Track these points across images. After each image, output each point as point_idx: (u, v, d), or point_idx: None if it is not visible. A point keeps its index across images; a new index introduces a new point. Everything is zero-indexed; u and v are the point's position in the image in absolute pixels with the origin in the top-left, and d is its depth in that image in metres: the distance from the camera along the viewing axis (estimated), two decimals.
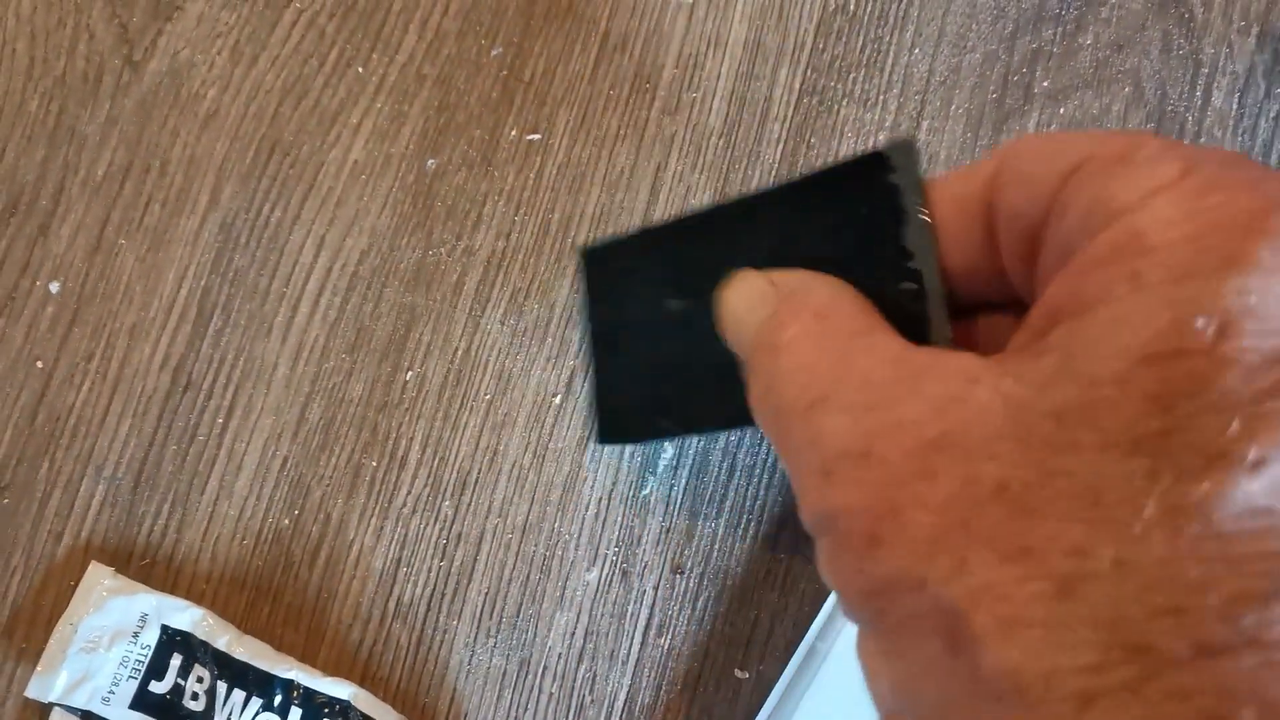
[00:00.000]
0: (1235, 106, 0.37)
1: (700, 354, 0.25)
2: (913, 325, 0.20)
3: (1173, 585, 0.14)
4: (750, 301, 0.22)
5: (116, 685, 0.32)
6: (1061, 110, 0.37)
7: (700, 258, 0.26)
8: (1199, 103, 0.37)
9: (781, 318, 0.21)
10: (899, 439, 0.17)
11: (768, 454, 0.35)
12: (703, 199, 0.37)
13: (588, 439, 0.35)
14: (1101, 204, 0.17)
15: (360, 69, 0.38)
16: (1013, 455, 0.16)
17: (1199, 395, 0.14)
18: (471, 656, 0.34)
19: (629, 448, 0.35)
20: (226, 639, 0.33)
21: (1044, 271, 0.19)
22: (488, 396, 0.36)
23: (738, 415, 0.24)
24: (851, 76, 0.38)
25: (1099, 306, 0.16)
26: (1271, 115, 0.37)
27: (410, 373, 0.36)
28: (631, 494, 0.35)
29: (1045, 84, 0.37)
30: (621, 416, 0.31)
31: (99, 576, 0.33)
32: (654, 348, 0.29)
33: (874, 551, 0.17)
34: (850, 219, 0.21)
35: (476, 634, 0.34)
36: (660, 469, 0.35)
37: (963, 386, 0.17)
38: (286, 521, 0.35)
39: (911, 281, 0.20)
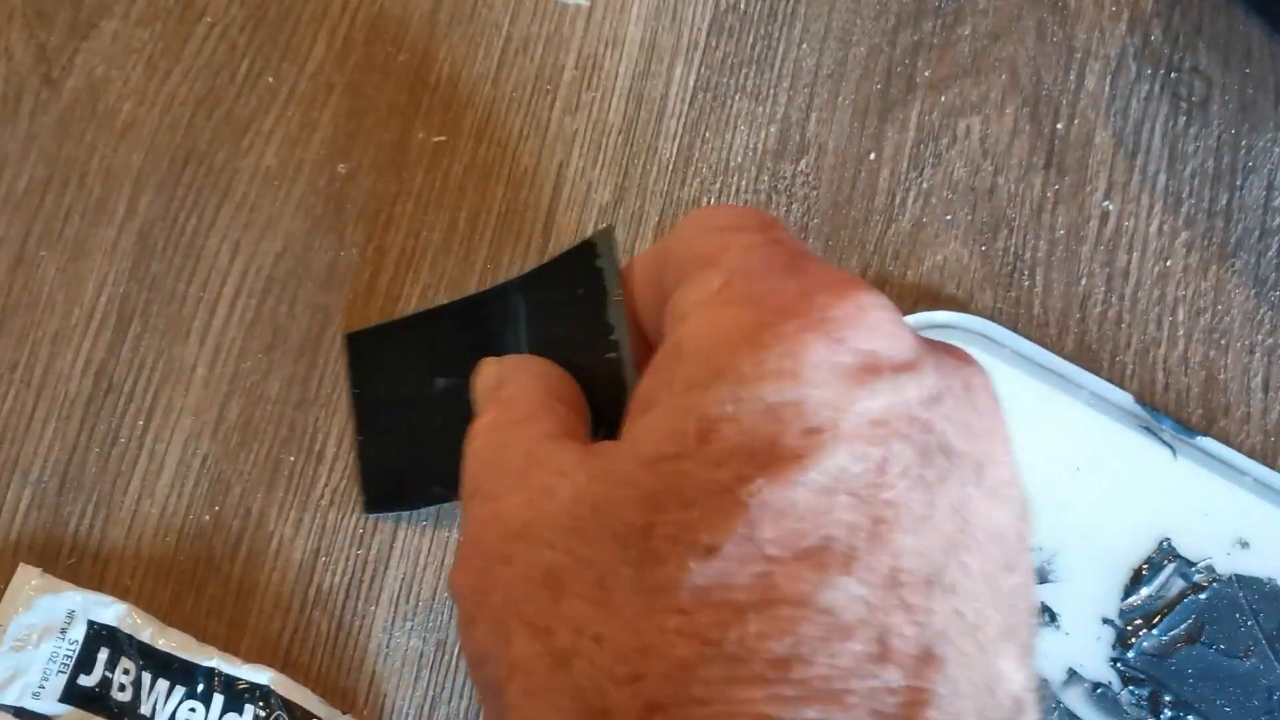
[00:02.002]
0: (1107, 89, 0.39)
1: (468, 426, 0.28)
2: (616, 389, 0.23)
3: (635, 656, 0.16)
4: (481, 388, 0.25)
5: (46, 680, 0.34)
6: (942, 98, 0.39)
7: (461, 341, 0.30)
8: (1073, 86, 0.39)
9: (478, 409, 0.24)
10: (495, 528, 0.20)
11: None
12: (604, 194, 0.39)
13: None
14: (672, 309, 0.19)
15: (271, 79, 0.39)
16: (563, 543, 0.18)
17: (679, 493, 0.17)
18: (390, 640, 0.35)
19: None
20: (150, 632, 0.34)
21: None
22: None
23: None
24: (743, 72, 0.39)
25: (646, 410, 0.18)
26: (1142, 96, 0.38)
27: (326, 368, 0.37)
28: None
29: (927, 74, 0.39)
30: (392, 486, 0.35)
31: (27, 577, 0.35)
32: (427, 422, 0.32)
33: (471, 628, 0.20)
34: (571, 300, 0.25)
35: (394, 618, 0.35)
36: None
37: (555, 480, 0.19)
38: (208, 517, 0.36)
39: (613, 352, 0.24)
